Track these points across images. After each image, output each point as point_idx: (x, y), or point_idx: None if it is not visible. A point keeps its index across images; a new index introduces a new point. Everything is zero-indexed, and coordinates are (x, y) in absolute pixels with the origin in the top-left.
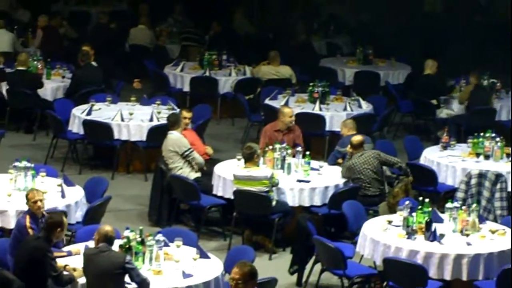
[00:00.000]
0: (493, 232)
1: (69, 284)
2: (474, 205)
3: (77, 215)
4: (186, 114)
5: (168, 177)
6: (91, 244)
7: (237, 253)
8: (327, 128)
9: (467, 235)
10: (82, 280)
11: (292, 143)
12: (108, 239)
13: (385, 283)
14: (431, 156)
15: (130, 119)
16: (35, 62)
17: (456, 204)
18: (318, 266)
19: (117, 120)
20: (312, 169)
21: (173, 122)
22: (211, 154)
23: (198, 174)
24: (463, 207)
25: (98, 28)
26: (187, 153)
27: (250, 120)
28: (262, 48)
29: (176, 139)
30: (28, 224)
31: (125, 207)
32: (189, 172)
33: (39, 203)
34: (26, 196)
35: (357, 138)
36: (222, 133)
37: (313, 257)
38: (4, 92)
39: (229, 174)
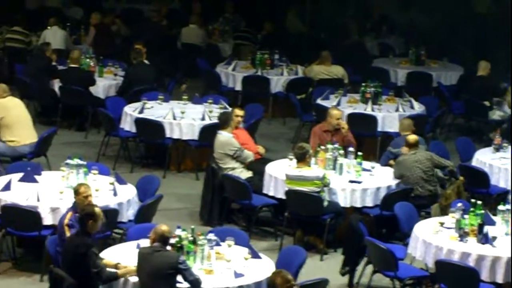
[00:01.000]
0: None
1: (111, 281)
2: None
3: (129, 214)
4: (239, 112)
5: (220, 176)
6: (142, 242)
7: (289, 254)
8: (379, 129)
9: None
10: (134, 278)
11: (341, 142)
12: (164, 239)
13: (436, 286)
14: (483, 158)
15: (182, 118)
16: (87, 60)
17: (508, 206)
18: (370, 268)
19: (169, 119)
20: (364, 169)
21: (223, 122)
22: (263, 154)
23: (250, 174)
24: None
25: (150, 26)
26: (238, 153)
27: (301, 120)
28: (314, 48)
29: (225, 141)
30: (66, 221)
31: (176, 206)
32: (241, 172)
33: (90, 198)
34: (76, 190)
35: (413, 136)
36: (274, 132)
37: (365, 258)
38: (56, 89)
39: (280, 174)
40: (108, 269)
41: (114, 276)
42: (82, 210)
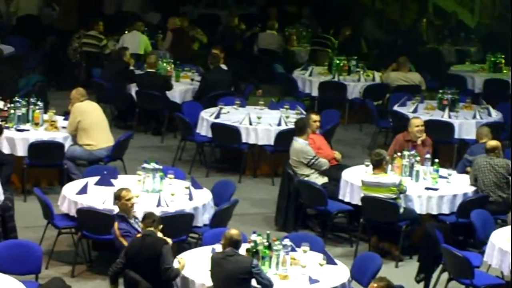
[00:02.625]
0: None
1: (176, 278)
2: None
3: (204, 218)
4: (315, 117)
5: (295, 182)
6: (218, 247)
7: (364, 260)
8: (456, 136)
9: None
10: (209, 282)
11: (422, 153)
12: (234, 243)
13: None
14: None
15: (258, 123)
16: (164, 64)
17: None
18: (445, 275)
19: (245, 124)
20: (441, 177)
21: (299, 128)
22: (339, 159)
23: (326, 180)
24: None
25: (227, 31)
26: (312, 161)
27: (378, 126)
28: (391, 54)
29: (300, 148)
30: (118, 232)
31: (251, 211)
32: (316, 178)
33: (132, 201)
34: (118, 195)
35: (493, 142)
36: (350, 138)
37: (440, 266)
38: (133, 93)
39: (356, 180)
40: None
41: (178, 274)
42: (155, 215)
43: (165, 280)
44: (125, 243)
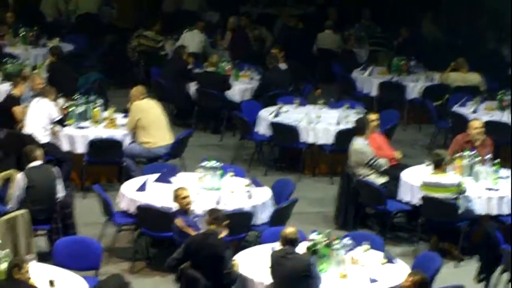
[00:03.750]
0: None
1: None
2: None
3: (263, 216)
4: (374, 116)
5: (355, 181)
6: (277, 245)
7: (424, 260)
8: None
9: None
10: (268, 280)
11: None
12: (290, 242)
13: None
14: None
15: (318, 122)
16: (223, 64)
17: None
18: (506, 276)
19: (304, 123)
20: (501, 177)
21: (359, 128)
22: (399, 159)
23: (385, 179)
24: None
25: (286, 30)
26: (371, 162)
27: (437, 127)
28: (450, 55)
29: (359, 149)
30: (182, 224)
31: (310, 209)
32: (376, 178)
33: (188, 199)
34: (175, 194)
35: None
36: (409, 139)
37: (501, 266)
38: (192, 92)
39: (416, 180)
40: None
41: (237, 278)
42: (218, 213)
43: (227, 283)
44: (193, 233)
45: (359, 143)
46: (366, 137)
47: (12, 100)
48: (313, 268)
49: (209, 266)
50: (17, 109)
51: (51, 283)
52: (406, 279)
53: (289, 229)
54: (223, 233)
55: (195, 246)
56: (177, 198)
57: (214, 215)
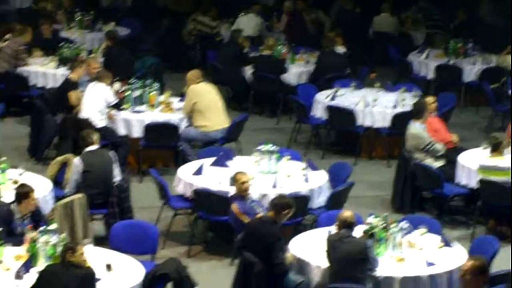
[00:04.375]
0: None
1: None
2: None
3: (320, 200)
4: (432, 99)
5: (412, 165)
6: (333, 229)
7: (482, 243)
8: None
9: None
10: (324, 264)
11: None
12: (348, 225)
13: None
14: None
15: (374, 106)
16: (279, 47)
17: None
18: None
19: (360, 106)
20: None
21: (416, 111)
22: (456, 142)
23: (442, 163)
24: None
25: (343, 13)
26: (427, 147)
27: (494, 110)
28: (508, 37)
29: (416, 133)
30: (237, 210)
31: (367, 193)
32: (432, 162)
33: (246, 184)
34: (233, 178)
35: None
36: (466, 122)
37: None
38: (248, 76)
39: (473, 163)
40: None
41: (288, 268)
42: (279, 198)
43: (277, 273)
44: (246, 220)
45: (416, 128)
46: (424, 121)
47: (69, 85)
48: (370, 251)
49: (262, 253)
50: (73, 94)
51: (108, 267)
52: (466, 263)
53: (346, 213)
54: (280, 222)
55: (250, 232)
56: (236, 182)
57: (274, 201)
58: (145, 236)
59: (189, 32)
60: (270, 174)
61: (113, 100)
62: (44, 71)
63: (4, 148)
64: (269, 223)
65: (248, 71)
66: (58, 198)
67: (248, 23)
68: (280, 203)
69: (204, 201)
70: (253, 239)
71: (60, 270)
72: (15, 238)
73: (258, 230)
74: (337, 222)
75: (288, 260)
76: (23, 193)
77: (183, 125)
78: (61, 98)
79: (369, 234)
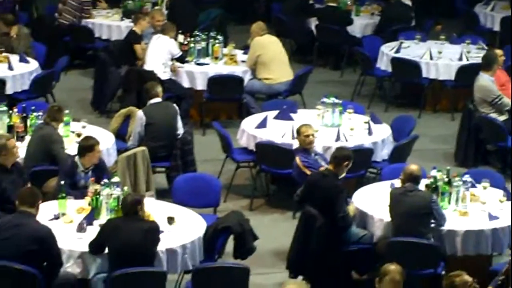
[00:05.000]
0: None
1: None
2: None
3: (383, 153)
4: (500, 52)
5: (476, 117)
6: (396, 182)
7: None
8: None
9: None
10: (387, 218)
11: None
12: (414, 179)
13: None
14: None
15: (439, 58)
16: None
17: None
18: None
19: (425, 59)
20: None
21: (486, 63)
22: None
23: (506, 117)
24: None
25: None
26: (495, 101)
27: None
28: None
29: (485, 85)
30: (300, 163)
31: (431, 146)
32: (497, 116)
33: (311, 138)
34: (298, 130)
35: None
36: None
37: None
38: (313, 28)
39: None
40: None
41: (352, 220)
42: (339, 150)
43: (341, 226)
44: (308, 172)
45: (485, 79)
46: (492, 74)
47: (133, 37)
48: (435, 205)
49: (323, 206)
50: (138, 46)
51: (170, 220)
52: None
53: (413, 166)
54: (342, 175)
55: (312, 185)
56: (300, 134)
57: (334, 154)
58: (208, 189)
59: None
60: (334, 127)
61: (177, 52)
62: (108, 24)
63: (68, 101)
64: (331, 176)
65: (313, 23)
66: (121, 151)
67: None
68: (339, 155)
69: (267, 154)
70: (314, 193)
71: (122, 224)
72: (78, 191)
73: (319, 183)
74: (402, 175)
75: (351, 212)
76: (88, 146)
77: (247, 78)
78: (126, 51)
79: (432, 188)
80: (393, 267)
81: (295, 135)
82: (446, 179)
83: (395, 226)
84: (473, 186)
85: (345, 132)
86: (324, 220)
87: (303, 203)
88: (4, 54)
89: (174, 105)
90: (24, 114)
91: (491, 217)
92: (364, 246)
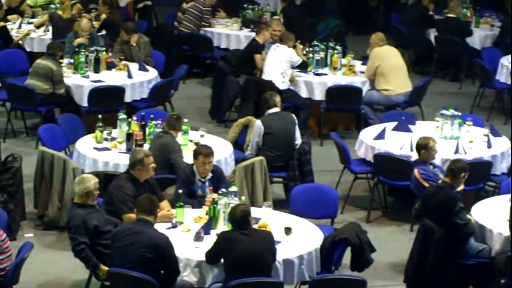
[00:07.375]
0: None
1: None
2: None
3: (502, 166)
4: None
5: None
6: None
7: None
8: None
9: None
10: (506, 232)
11: None
12: None
13: None
14: None
15: None
16: (464, 10)
17: None
18: None
19: None
20: None
21: None
22: None
23: None
24: None
25: None
26: None
27: None
28: None
29: None
30: (419, 176)
31: None
32: None
33: (435, 151)
34: (425, 145)
35: None
36: None
37: None
38: (432, 38)
39: None
40: None
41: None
42: (456, 164)
43: (465, 235)
44: (426, 184)
45: None
46: None
47: (255, 47)
48: None
49: (441, 219)
50: (258, 56)
51: (287, 230)
52: None
53: None
54: (459, 187)
55: (428, 199)
56: (428, 149)
57: (449, 167)
58: (325, 200)
59: None
60: (452, 140)
61: (298, 60)
62: (227, 33)
63: (186, 110)
64: (447, 189)
65: (432, 34)
66: (238, 161)
67: None
68: (455, 168)
69: (385, 165)
70: (431, 206)
71: (237, 236)
72: (195, 200)
73: (435, 197)
74: None
75: (471, 221)
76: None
77: (365, 88)
78: (245, 60)
79: None
80: None
81: (421, 149)
82: None
83: None
84: None
85: (464, 144)
86: (443, 232)
87: (421, 216)
88: (123, 62)
89: (292, 115)
90: (143, 122)
91: None
92: (482, 260)
